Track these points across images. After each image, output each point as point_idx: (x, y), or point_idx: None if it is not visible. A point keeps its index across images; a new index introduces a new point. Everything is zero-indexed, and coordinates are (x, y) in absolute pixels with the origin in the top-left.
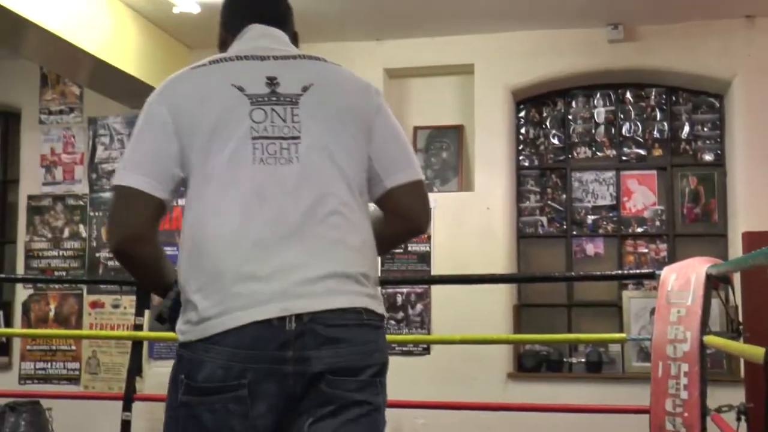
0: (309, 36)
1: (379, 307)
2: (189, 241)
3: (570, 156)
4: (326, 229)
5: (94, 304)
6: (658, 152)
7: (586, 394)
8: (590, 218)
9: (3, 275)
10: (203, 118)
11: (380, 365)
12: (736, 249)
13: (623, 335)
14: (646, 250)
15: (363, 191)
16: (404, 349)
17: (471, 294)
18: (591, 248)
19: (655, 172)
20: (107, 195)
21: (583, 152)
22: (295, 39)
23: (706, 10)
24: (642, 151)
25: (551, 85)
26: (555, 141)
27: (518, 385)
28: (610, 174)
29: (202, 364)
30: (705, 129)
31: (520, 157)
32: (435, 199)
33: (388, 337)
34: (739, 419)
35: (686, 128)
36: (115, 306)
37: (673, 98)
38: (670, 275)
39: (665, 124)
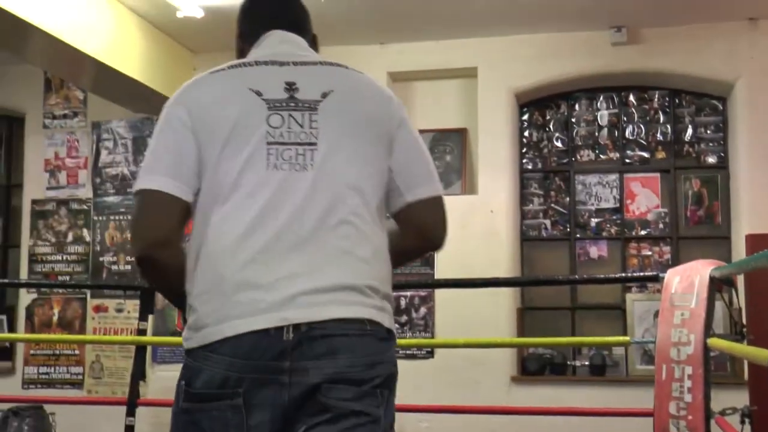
0: None
1: (386, 320)
2: (195, 245)
3: (573, 159)
4: (335, 238)
5: (98, 309)
6: (661, 155)
7: (590, 398)
8: (594, 221)
9: (7, 280)
10: (221, 122)
11: (384, 377)
12: (739, 251)
13: (627, 338)
14: (649, 253)
15: (379, 202)
16: (408, 352)
17: (475, 297)
18: (594, 251)
19: (658, 174)
20: (111, 199)
21: (586, 155)
22: (314, 42)
23: (709, 13)
24: (645, 154)
25: (554, 88)
26: (558, 144)
27: (522, 389)
28: (613, 177)
29: (201, 371)
30: (708, 131)
31: (524, 160)
32: None
33: None
34: (743, 422)
35: (689, 131)
36: (119, 310)
37: (677, 101)
38: (674, 278)
39: (668, 126)
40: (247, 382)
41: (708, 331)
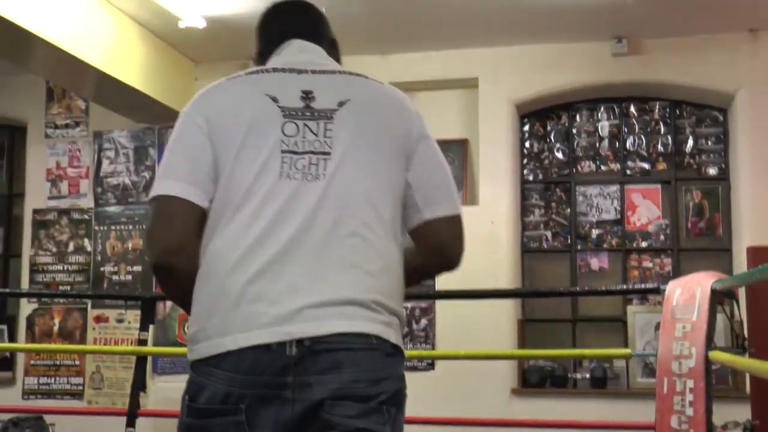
0: None
1: (393, 336)
2: (203, 254)
3: (574, 170)
4: (343, 251)
5: (99, 319)
6: (662, 166)
7: (591, 410)
8: (595, 232)
9: (8, 290)
10: (236, 127)
11: (390, 393)
12: (740, 263)
13: (628, 351)
14: (650, 265)
15: (393, 215)
16: (408, 364)
17: (475, 309)
18: (595, 262)
19: (659, 186)
20: (112, 209)
21: (587, 166)
22: (333, 46)
23: (709, 24)
24: (646, 165)
25: (555, 99)
26: (559, 155)
27: (522, 401)
28: (614, 188)
29: (204, 387)
30: (709, 143)
31: (525, 171)
32: None
33: None
34: None
35: (690, 142)
36: (120, 321)
37: (677, 112)
38: (675, 290)
39: (669, 137)
40: (250, 398)
41: (709, 344)
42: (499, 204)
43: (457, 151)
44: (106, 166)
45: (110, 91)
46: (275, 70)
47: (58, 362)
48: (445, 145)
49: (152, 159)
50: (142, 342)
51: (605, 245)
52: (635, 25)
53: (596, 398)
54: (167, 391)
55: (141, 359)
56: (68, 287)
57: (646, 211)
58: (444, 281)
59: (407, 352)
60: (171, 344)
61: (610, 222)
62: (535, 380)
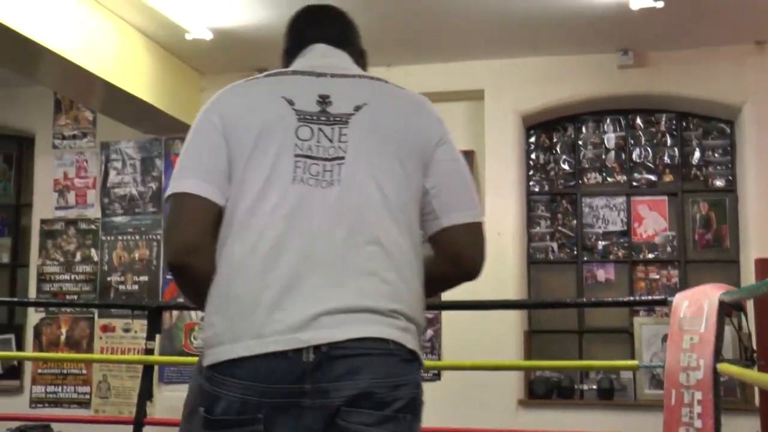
0: None
1: (411, 342)
2: (218, 257)
3: (580, 181)
4: (360, 259)
5: (105, 328)
6: (668, 178)
7: (598, 422)
8: (601, 244)
9: (15, 299)
10: (249, 129)
11: (406, 400)
12: (748, 275)
13: (636, 362)
14: (657, 276)
15: (411, 222)
16: None
17: (481, 320)
18: (602, 274)
19: (665, 197)
20: (119, 219)
21: (593, 178)
22: (362, 57)
23: (716, 37)
24: (653, 177)
25: (561, 111)
26: (565, 166)
27: (529, 412)
28: (620, 199)
29: (219, 397)
30: (716, 155)
31: (531, 183)
32: None
33: None
34: None
35: (697, 154)
36: (126, 330)
37: (684, 124)
38: (683, 302)
39: (676, 149)
40: (267, 407)
41: (718, 356)
42: (506, 215)
43: None
44: (113, 177)
45: (117, 103)
46: (294, 72)
47: (65, 371)
48: None
49: (159, 170)
50: (149, 351)
51: (611, 257)
52: (641, 38)
53: (603, 410)
54: (174, 400)
55: (148, 368)
56: (75, 297)
57: (653, 222)
58: (450, 291)
59: None
60: (177, 354)
61: (616, 233)
62: (541, 391)
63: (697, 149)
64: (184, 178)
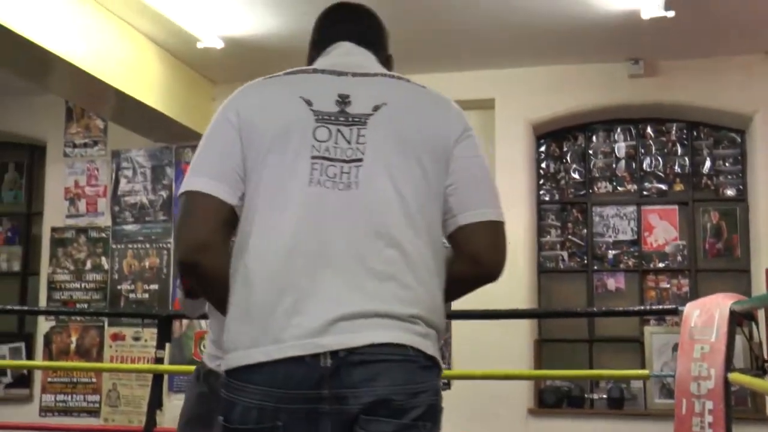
0: None
1: (430, 348)
2: (235, 259)
3: (591, 190)
4: (379, 262)
5: (115, 337)
6: (679, 187)
7: (608, 431)
8: (611, 253)
9: (26, 307)
10: (265, 129)
11: (426, 407)
12: (759, 284)
13: (646, 372)
14: (667, 286)
15: (430, 223)
16: None
17: (492, 329)
18: (612, 283)
19: (676, 207)
20: (129, 228)
21: (603, 187)
22: (388, 62)
23: (726, 46)
24: (663, 186)
25: (572, 120)
26: (575, 175)
27: (539, 421)
28: (631, 209)
29: (235, 404)
30: (726, 164)
31: (541, 192)
32: None
33: None
34: None
35: (708, 163)
36: (136, 338)
37: (694, 133)
38: (693, 311)
39: (686, 158)
40: (285, 413)
41: (729, 365)
42: (516, 224)
43: None
44: (123, 185)
45: (128, 111)
46: (315, 71)
47: (75, 380)
48: None
49: (169, 178)
50: (159, 360)
51: (622, 266)
52: (652, 47)
53: (613, 419)
54: None
55: (157, 377)
56: (85, 305)
57: (663, 231)
58: (460, 301)
59: None
60: (187, 362)
61: (626, 242)
62: (551, 400)
63: (708, 158)
64: (195, 176)
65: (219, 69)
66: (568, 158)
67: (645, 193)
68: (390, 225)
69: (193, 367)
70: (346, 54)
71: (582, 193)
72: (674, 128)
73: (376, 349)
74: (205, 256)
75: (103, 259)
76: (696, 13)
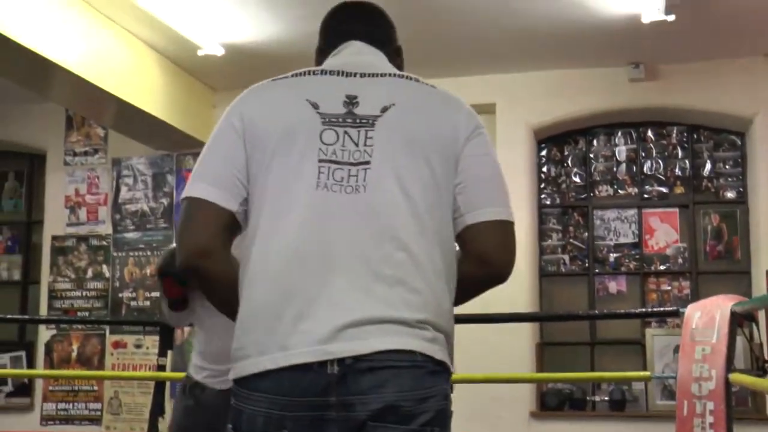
0: None
1: (438, 353)
2: (242, 265)
3: (592, 194)
4: (386, 266)
5: (117, 345)
6: (680, 190)
7: None
8: (612, 256)
9: (27, 316)
10: (270, 133)
11: (434, 412)
12: (759, 286)
13: (648, 373)
14: (668, 288)
15: (439, 226)
16: None
17: (493, 332)
18: (614, 286)
19: (677, 209)
20: (130, 235)
21: (604, 190)
22: (398, 54)
23: (726, 49)
24: (664, 189)
25: (572, 124)
26: (576, 179)
27: (541, 424)
28: (632, 212)
29: (243, 413)
30: (727, 166)
31: (542, 196)
32: None
33: None
34: None
35: (708, 166)
36: (138, 346)
37: (695, 136)
38: (695, 313)
39: (687, 161)
40: (291, 420)
41: (729, 366)
42: (517, 228)
43: None
44: (124, 193)
45: (129, 119)
46: (323, 72)
47: (76, 388)
48: None
49: (170, 186)
50: (161, 367)
51: (623, 269)
52: (652, 51)
53: (615, 421)
54: None
55: (159, 384)
56: (87, 313)
57: (664, 234)
58: (462, 305)
59: None
60: None
61: (628, 245)
62: (553, 403)
63: (708, 161)
64: (196, 182)
65: (219, 76)
66: (569, 162)
67: (646, 196)
68: (397, 227)
69: None
70: (356, 53)
71: (583, 196)
72: (675, 131)
73: (384, 356)
74: (206, 261)
75: (104, 267)
76: (696, 17)
